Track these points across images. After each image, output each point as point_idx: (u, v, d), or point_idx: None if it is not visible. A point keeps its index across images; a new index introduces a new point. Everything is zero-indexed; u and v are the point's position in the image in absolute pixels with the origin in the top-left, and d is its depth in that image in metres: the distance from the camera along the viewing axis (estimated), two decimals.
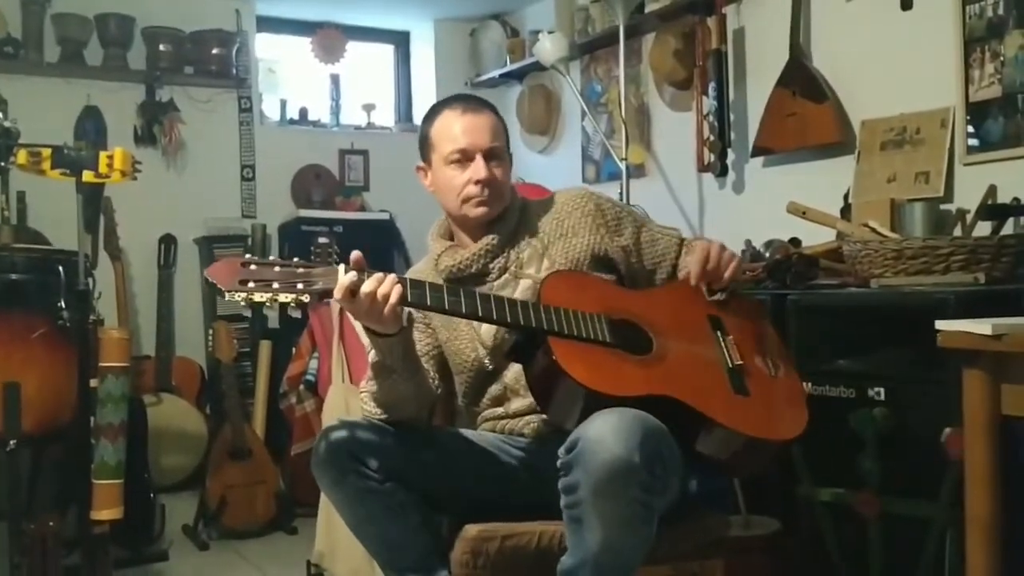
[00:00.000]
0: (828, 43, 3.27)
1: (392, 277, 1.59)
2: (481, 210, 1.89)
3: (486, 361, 1.88)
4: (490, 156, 1.88)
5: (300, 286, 1.53)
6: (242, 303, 1.51)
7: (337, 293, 1.55)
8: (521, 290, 1.88)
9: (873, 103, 3.08)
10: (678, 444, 1.61)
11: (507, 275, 1.91)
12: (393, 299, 1.58)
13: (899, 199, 2.78)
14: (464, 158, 1.87)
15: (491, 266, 1.92)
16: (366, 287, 1.56)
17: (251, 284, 1.51)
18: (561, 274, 1.83)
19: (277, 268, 1.54)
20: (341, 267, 1.57)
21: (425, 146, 1.95)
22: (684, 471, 1.70)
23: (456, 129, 1.88)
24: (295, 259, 1.56)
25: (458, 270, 1.92)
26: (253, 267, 1.52)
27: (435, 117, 1.93)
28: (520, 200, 2.00)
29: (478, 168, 1.86)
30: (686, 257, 2.00)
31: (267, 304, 1.52)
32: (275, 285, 1.52)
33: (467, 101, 1.94)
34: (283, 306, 1.54)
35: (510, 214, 1.95)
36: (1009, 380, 1.64)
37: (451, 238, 1.99)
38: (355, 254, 1.59)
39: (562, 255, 1.90)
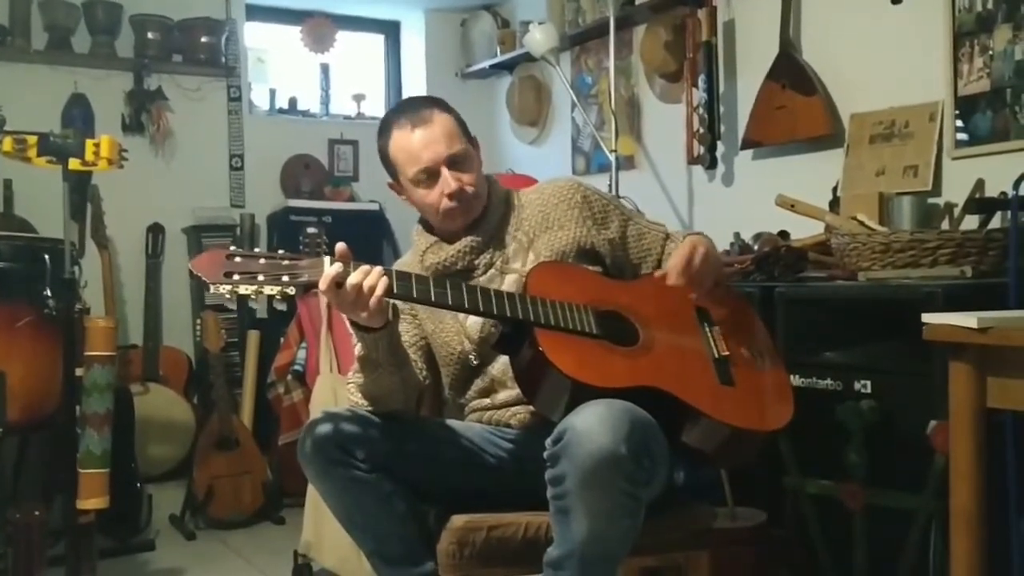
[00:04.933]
0: (818, 36, 3.27)
1: (378, 269, 1.59)
2: (461, 220, 1.89)
3: (472, 355, 1.88)
4: (452, 164, 1.85)
5: (286, 278, 1.53)
6: (227, 295, 1.50)
7: (322, 284, 1.54)
8: (507, 285, 1.87)
9: (862, 97, 3.08)
10: (664, 435, 1.61)
11: (493, 270, 1.91)
12: (379, 291, 1.57)
13: (887, 192, 2.79)
14: (430, 176, 1.85)
15: (477, 262, 1.91)
16: (352, 279, 1.55)
17: (236, 276, 1.50)
18: (547, 265, 1.83)
19: (262, 260, 1.53)
20: (327, 259, 1.56)
21: (388, 165, 1.92)
22: (671, 462, 1.70)
23: (413, 148, 1.85)
24: (280, 251, 1.56)
25: (444, 268, 1.91)
26: (238, 259, 1.52)
27: (388, 136, 1.89)
28: (504, 192, 1.99)
29: (447, 182, 1.84)
30: (670, 244, 2.00)
31: (252, 297, 1.51)
32: (260, 277, 1.51)
33: (414, 113, 1.87)
34: (268, 298, 1.53)
35: (493, 209, 1.94)
36: (995, 373, 1.65)
37: (436, 232, 1.98)
38: (340, 246, 1.58)
39: (547, 248, 1.90)
